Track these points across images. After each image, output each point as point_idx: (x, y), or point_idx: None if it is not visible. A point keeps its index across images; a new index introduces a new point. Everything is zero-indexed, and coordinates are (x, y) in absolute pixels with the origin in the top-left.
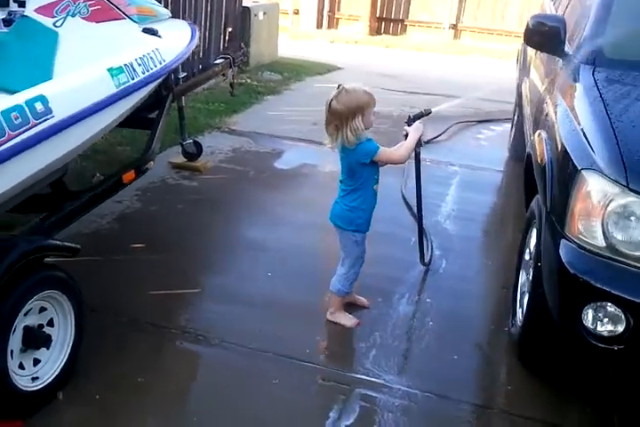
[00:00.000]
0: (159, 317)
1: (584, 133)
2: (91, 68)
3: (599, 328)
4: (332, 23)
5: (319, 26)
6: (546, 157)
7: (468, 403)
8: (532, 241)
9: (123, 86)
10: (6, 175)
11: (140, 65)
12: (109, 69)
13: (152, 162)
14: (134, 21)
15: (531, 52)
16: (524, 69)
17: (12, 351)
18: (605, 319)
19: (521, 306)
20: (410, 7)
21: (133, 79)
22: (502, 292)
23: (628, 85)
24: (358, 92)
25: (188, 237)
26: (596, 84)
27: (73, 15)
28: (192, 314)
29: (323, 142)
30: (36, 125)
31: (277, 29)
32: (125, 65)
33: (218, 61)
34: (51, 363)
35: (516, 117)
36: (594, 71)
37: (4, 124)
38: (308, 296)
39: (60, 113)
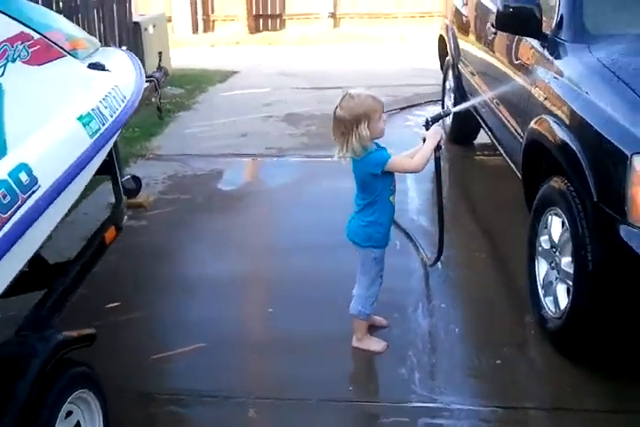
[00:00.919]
0: (175, 385)
1: (617, 117)
2: (58, 120)
3: None
4: (209, 26)
5: (195, 31)
6: (572, 144)
7: (537, 409)
8: (556, 229)
9: (96, 136)
10: (8, 264)
11: (106, 107)
12: (79, 118)
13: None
14: (75, 57)
15: (470, 34)
16: (458, 51)
17: None
18: None
19: (549, 295)
20: (286, 1)
21: (104, 125)
22: (509, 284)
23: (631, 61)
24: (362, 97)
25: (163, 285)
26: (602, 62)
27: (13, 60)
28: (208, 374)
29: (332, 155)
30: (25, 201)
31: (168, 41)
32: (93, 110)
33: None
34: None
35: (450, 102)
36: (590, 50)
37: None
38: (323, 326)
39: (45, 182)
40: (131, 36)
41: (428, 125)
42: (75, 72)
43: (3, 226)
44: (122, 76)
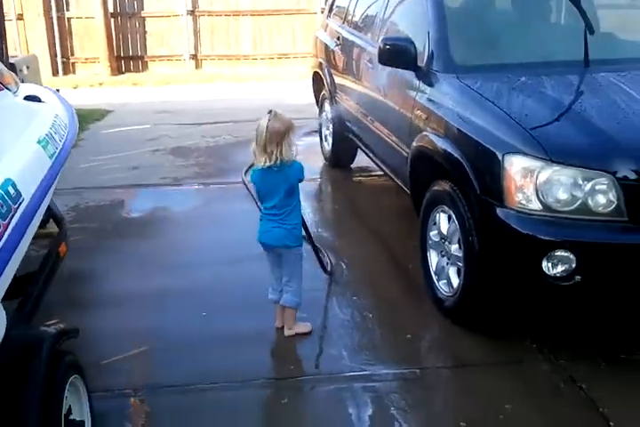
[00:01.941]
0: (132, 381)
1: (488, 126)
2: (22, 144)
3: (558, 270)
4: (69, 68)
5: (55, 73)
6: (454, 152)
7: (446, 367)
8: (444, 223)
9: (54, 157)
10: (10, 268)
11: (55, 133)
12: (38, 142)
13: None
14: (9, 90)
15: (347, 69)
16: (335, 85)
17: None
18: (559, 263)
19: (442, 279)
20: (147, 43)
21: (57, 148)
22: (404, 276)
23: (494, 84)
24: (286, 116)
25: (95, 302)
26: (470, 87)
27: None
28: (160, 370)
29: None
30: (17, 211)
31: (41, 82)
32: (47, 135)
33: None
34: None
35: (328, 131)
36: (458, 77)
37: None
38: (254, 323)
39: (27, 195)
40: None
41: None
42: (15, 103)
43: (5, 231)
44: (56, 107)
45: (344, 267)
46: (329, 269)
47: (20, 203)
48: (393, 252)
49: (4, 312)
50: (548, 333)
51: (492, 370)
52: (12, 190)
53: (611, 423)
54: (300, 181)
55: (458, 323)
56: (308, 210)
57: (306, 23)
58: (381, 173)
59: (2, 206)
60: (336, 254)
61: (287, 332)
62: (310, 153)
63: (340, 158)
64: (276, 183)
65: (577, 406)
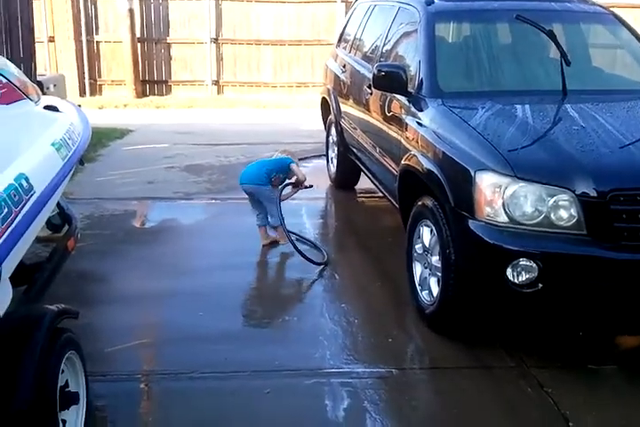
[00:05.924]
0: (130, 368)
1: (465, 147)
2: (38, 145)
3: (521, 279)
4: (95, 90)
5: (82, 93)
6: (434, 169)
7: (420, 368)
8: (426, 236)
9: (66, 159)
10: (16, 252)
11: (69, 139)
12: (52, 144)
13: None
14: (31, 100)
15: (350, 95)
16: (340, 110)
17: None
18: (523, 271)
19: (424, 289)
20: (171, 69)
21: (69, 152)
22: (391, 287)
23: (472, 109)
24: None
25: (103, 300)
26: (452, 111)
27: None
28: (155, 359)
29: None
30: (27, 201)
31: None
32: (62, 139)
33: None
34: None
35: (333, 153)
36: (443, 102)
37: (10, 202)
38: (247, 323)
39: (38, 188)
40: None
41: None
42: (34, 111)
43: (16, 216)
44: (72, 116)
45: (337, 278)
46: (325, 259)
47: (32, 195)
48: (384, 266)
49: (10, 286)
50: (520, 342)
51: (464, 373)
52: (25, 183)
53: (570, 424)
54: None
55: (436, 330)
56: (310, 226)
57: (324, 53)
58: (381, 194)
59: (15, 196)
60: (331, 267)
61: (265, 242)
62: (317, 174)
63: (344, 180)
64: None
65: (540, 408)
